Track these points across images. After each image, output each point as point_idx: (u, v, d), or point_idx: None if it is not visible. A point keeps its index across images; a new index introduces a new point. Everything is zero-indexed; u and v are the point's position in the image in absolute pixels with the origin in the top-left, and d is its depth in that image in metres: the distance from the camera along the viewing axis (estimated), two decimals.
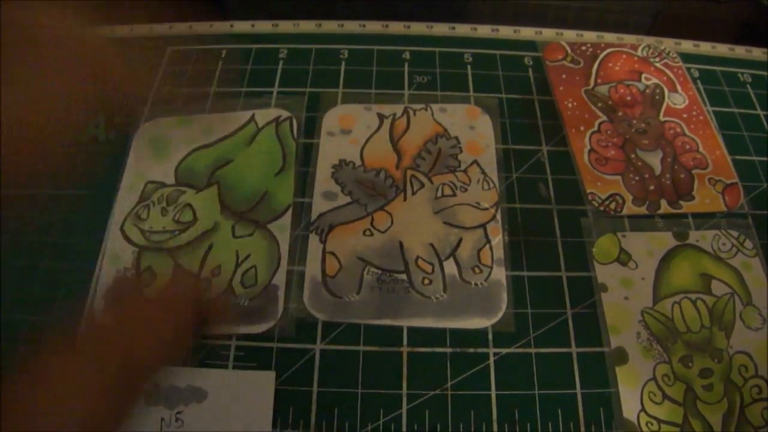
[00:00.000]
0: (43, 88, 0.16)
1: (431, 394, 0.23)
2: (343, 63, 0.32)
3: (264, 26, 0.35)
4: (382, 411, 0.22)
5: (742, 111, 0.31)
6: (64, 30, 0.17)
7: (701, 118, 0.30)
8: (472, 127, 0.29)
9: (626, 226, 0.27)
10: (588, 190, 0.27)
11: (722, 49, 0.35)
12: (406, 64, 0.32)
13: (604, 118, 0.30)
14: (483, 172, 0.27)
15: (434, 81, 0.31)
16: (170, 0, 0.33)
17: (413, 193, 0.27)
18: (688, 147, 0.29)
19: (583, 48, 0.33)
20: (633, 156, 0.29)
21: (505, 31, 0.35)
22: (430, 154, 0.28)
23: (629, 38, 0.35)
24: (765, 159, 0.29)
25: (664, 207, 0.27)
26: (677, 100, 0.31)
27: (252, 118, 0.30)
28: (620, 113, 0.30)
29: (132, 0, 0.35)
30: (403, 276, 0.25)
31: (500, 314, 0.24)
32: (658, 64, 0.33)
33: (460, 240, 0.25)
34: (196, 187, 0.27)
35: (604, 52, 0.33)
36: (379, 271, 0.25)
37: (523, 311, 0.24)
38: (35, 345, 0.20)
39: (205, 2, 0.37)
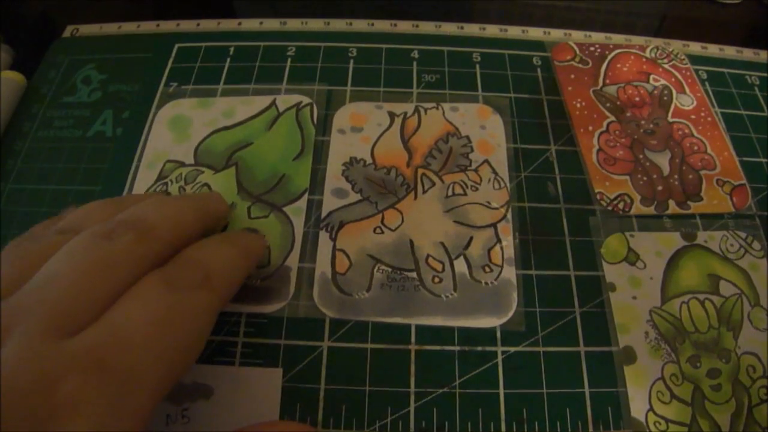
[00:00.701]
0: None
1: (439, 392, 0.22)
2: (352, 61, 0.32)
3: (272, 24, 0.35)
4: (389, 409, 0.22)
5: (750, 113, 0.31)
6: None
7: (709, 119, 0.30)
8: (483, 126, 0.29)
9: (634, 225, 0.27)
10: (596, 190, 0.27)
11: (730, 52, 0.35)
12: (415, 63, 0.32)
13: (613, 118, 0.30)
14: (494, 171, 0.27)
15: (443, 80, 0.31)
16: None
17: (424, 192, 0.27)
18: (696, 148, 0.29)
19: (592, 49, 0.33)
20: (641, 156, 0.29)
21: (514, 31, 0.35)
22: (441, 153, 0.28)
23: (637, 40, 0.35)
24: None
25: (672, 207, 0.27)
26: (685, 101, 0.31)
27: (273, 102, 0.30)
28: (628, 114, 0.30)
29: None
30: (414, 274, 0.25)
31: (510, 313, 0.24)
32: (666, 66, 0.33)
33: (471, 239, 0.25)
34: (214, 167, 0.28)
35: (613, 53, 0.33)
36: (390, 269, 0.25)
37: (531, 310, 0.24)
38: None
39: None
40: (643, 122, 0.30)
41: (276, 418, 0.22)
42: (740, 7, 0.39)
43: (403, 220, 0.26)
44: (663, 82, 0.32)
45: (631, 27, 0.37)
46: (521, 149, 0.29)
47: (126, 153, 0.29)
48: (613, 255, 0.26)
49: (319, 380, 0.23)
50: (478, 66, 0.32)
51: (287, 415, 0.22)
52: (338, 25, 0.34)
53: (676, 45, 0.35)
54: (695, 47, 0.35)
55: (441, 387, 0.23)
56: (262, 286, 0.24)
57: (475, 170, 0.27)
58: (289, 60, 0.32)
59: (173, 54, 0.33)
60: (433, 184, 0.27)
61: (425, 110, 0.30)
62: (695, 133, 0.30)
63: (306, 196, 0.27)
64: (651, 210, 0.27)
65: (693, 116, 0.30)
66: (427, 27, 0.34)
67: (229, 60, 0.32)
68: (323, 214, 0.26)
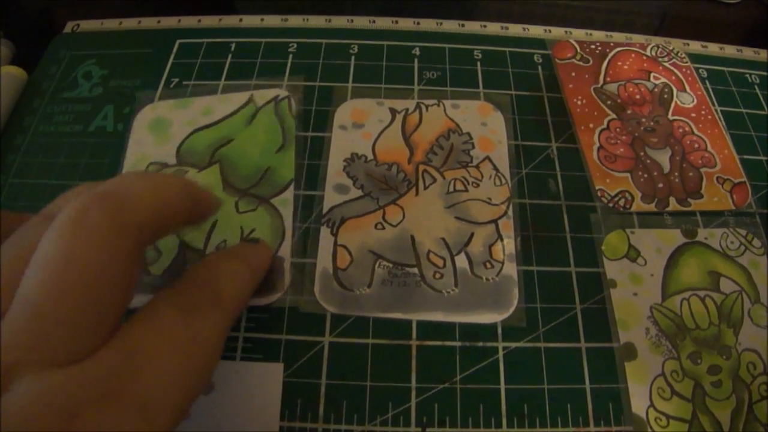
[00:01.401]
0: None
1: (440, 387, 0.22)
2: (353, 58, 0.32)
3: (273, 21, 0.35)
4: (390, 404, 0.22)
5: (750, 111, 0.31)
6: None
7: (709, 117, 0.30)
8: (484, 123, 0.29)
9: (635, 222, 0.27)
10: (597, 187, 0.27)
11: (730, 51, 0.35)
12: (416, 60, 0.32)
13: (613, 116, 0.30)
14: (495, 168, 0.27)
15: (444, 77, 0.31)
16: None
17: (425, 188, 0.27)
18: (696, 146, 0.29)
19: (593, 46, 0.33)
20: (642, 154, 0.29)
21: (515, 29, 0.35)
22: (443, 149, 0.28)
23: (638, 38, 0.35)
24: None
25: (673, 204, 0.27)
26: (686, 99, 0.31)
27: (251, 98, 0.30)
28: (629, 111, 0.30)
29: None
30: (415, 270, 0.25)
31: (511, 309, 0.24)
32: (666, 64, 0.33)
33: (472, 235, 0.25)
34: (197, 166, 0.28)
35: (613, 51, 0.33)
36: (391, 265, 0.25)
37: (532, 306, 0.24)
38: None
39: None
40: (643, 120, 0.30)
41: (277, 413, 0.22)
42: (740, 6, 0.40)
43: (404, 216, 0.26)
44: (663, 80, 0.32)
45: (631, 25, 0.38)
46: (522, 146, 0.29)
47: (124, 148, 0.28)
48: (613, 252, 0.26)
49: (320, 375, 0.23)
50: (479, 63, 0.32)
51: (288, 410, 0.22)
52: (339, 22, 0.34)
53: (676, 43, 0.35)
54: (696, 46, 0.35)
55: (442, 382, 0.23)
56: None
57: (476, 166, 0.27)
58: (291, 56, 0.32)
59: (174, 50, 0.33)
60: (435, 180, 0.27)
61: (426, 107, 0.30)
62: (696, 131, 0.30)
63: (292, 187, 0.27)
64: (652, 207, 0.27)
65: (693, 114, 0.30)
66: (429, 24, 0.34)
67: (230, 56, 0.32)
68: (324, 210, 0.26)
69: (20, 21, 0.37)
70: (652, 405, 0.22)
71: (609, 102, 0.31)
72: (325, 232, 0.26)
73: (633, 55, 0.33)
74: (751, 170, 0.29)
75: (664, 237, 0.26)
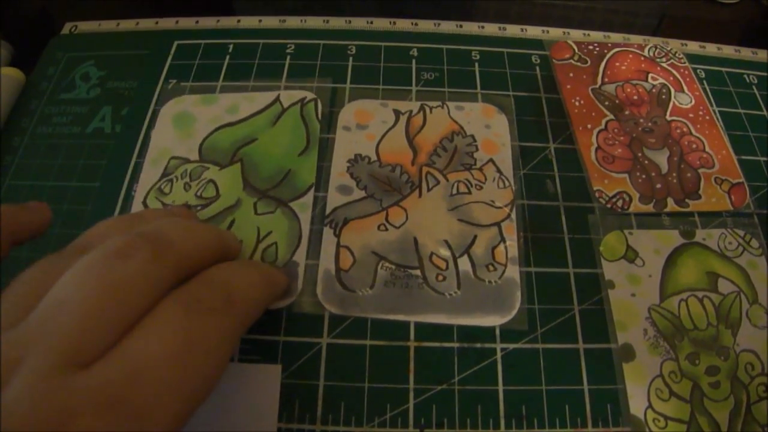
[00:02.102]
0: None
1: (438, 388, 0.22)
2: (351, 59, 0.32)
3: (271, 22, 0.35)
4: (388, 405, 0.22)
5: (748, 112, 0.31)
6: None
7: (707, 118, 0.30)
8: (488, 126, 0.29)
9: (633, 223, 0.27)
10: (595, 188, 0.27)
11: (728, 51, 0.35)
12: (414, 61, 0.32)
13: (611, 116, 0.30)
14: (498, 170, 0.27)
15: (442, 78, 0.31)
16: None
17: (428, 190, 0.27)
18: (694, 146, 0.29)
19: (590, 47, 0.33)
20: (640, 154, 0.29)
21: (512, 30, 0.35)
22: (446, 151, 0.28)
23: (636, 38, 0.35)
24: None
25: (671, 205, 0.27)
26: (684, 100, 0.31)
27: (277, 98, 0.30)
28: (627, 112, 0.30)
29: None
30: (417, 272, 0.25)
31: (514, 312, 0.24)
32: (664, 65, 0.33)
33: (475, 237, 0.25)
34: (219, 164, 0.28)
35: (611, 52, 0.33)
36: (394, 266, 0.25)
37: (530, 307, 0.24)
38: None
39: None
40: (641, 120, 0.30)
41: (275, 414, 0.22)
42: (738, 7, 0.40)
43: (407, 218, 0.26)
44: (661, 80, 0.32)
45: (629, 26, 0.38)
46: (520, 147, 0.29)
47: (124, 150, 0.28)
48: (611, 252, 0.26)
49: (318, 376, 0.23)
50: (477, 64, 0.32)
51: (286, 412, 0.22)
52: (337, 23, 0.34)
53: (674, 44, 0.35)
54: (693, 46, 0.35)
55: (440, 384, 0.23)
56: None
57: (480, 169, 0.27)
58: (289, 57, 0.32)
59: (172, 51, 0.33)
60: (438, 182, 0.27)
61: (430, 109, 0.30)
62: (693, 132, 0.30)
63: (312, 191, 0.27)
64: (650, 208, 0.27)
65: (691, 115, 0.30)
66: (426, 25, 0.34)
67: (228, 57, 0.32)
68: (328, 211, 0.26)
69: (18, 22, 0.37)
70: (650, 406, 0.22)
71: (607, 103, 0.31)
72: (328, 233, 0.26)
73: (631, 56, 0.33)
74: (749, 171, 0.29)
75: (662, 238, 0.26)
